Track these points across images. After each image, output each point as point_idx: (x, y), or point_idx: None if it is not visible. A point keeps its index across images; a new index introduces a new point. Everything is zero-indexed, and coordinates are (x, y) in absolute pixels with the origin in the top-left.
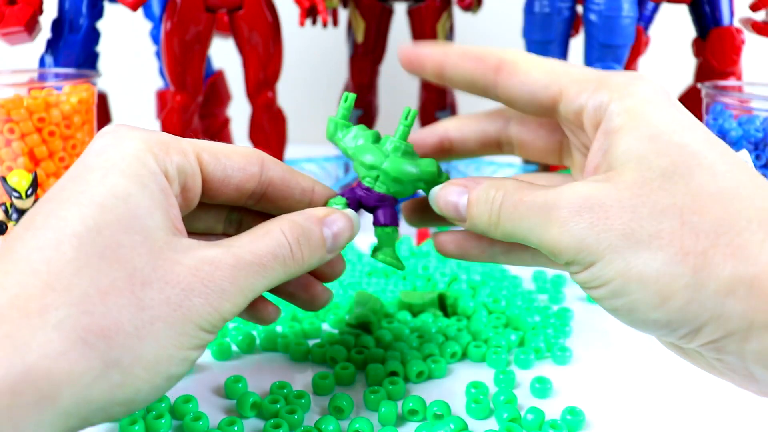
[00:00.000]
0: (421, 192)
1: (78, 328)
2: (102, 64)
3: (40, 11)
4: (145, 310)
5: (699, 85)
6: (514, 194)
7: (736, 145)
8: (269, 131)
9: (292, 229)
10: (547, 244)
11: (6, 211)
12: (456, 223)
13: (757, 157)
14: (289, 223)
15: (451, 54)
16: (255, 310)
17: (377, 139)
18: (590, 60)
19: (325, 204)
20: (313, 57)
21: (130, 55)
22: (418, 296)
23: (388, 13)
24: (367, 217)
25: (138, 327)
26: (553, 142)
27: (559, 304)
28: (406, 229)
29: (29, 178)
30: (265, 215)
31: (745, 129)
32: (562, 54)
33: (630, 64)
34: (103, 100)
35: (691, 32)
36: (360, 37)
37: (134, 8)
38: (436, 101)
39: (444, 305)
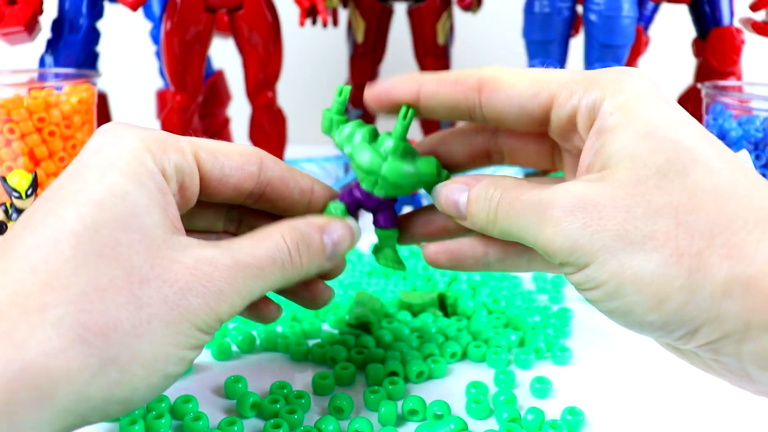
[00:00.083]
0: (420, 191)
1: (76, 326)
2: (102, 64)
3: (40, 11)
4: (142, 309)
5: (699, 85)
6: (512, 192)
7: (736, 145)
8: (269, 131)
9: (292, 234)
10: (541, 243)
11: (6, 211)
12: (457, 221)
13: (757, 157)
14: (289, 229)
15: (426, 82)
16: (256, 308)
17: (375, 135)
18: (590, 60)
19: (324, 205)
20: (313, 57)
21: (130, 55)
22: (418, 296)
23: (388, 13)
24: (367, 217)
25: (136, 325)
26: (544, 148)
27: (559, 304)
28: None
29: (29, 178)
30: (265, 213)
31: (745, 129)
32: (562, 54)
33: (630, 64)
34: (103, 100)
35: (691, 32)
36: (360, 37)
37: (134, 8)
38: None
39: (444, 305)
